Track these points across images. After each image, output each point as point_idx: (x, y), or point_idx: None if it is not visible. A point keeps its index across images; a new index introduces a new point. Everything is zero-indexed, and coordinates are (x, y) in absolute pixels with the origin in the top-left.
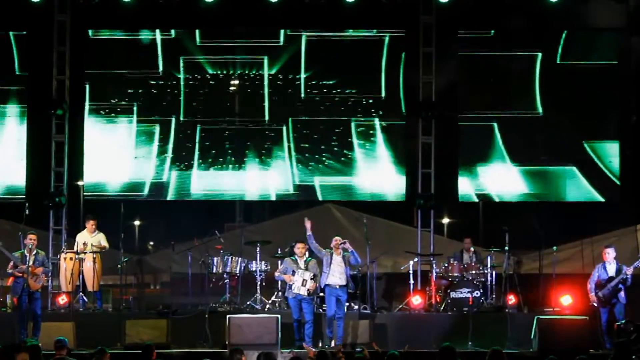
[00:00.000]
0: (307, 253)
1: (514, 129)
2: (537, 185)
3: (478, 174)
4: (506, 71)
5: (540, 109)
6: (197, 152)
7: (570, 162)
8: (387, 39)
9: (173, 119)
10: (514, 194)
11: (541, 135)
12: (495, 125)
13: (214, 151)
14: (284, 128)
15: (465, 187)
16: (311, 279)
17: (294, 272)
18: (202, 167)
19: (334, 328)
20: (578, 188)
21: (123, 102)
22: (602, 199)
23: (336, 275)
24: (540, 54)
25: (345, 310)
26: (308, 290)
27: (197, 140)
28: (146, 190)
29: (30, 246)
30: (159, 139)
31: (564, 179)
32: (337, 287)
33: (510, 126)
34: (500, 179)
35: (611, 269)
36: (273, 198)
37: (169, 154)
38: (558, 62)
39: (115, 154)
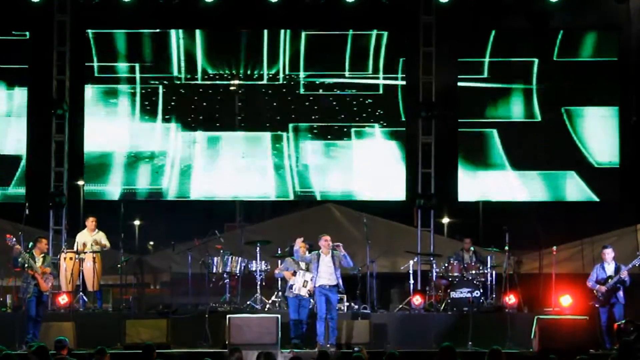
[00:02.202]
0: (307, 252)
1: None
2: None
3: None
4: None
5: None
6: (197, 153)
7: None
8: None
9: (174, 119)
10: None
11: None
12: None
13: (213, 151)
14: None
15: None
16: (312, 280)
17: (295, 272)
18: (202, 167)
19: (326, 329)
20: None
21: (123, 102)
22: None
23: (325, 276)
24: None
25: (337, 310)
26: (309, 291)
27: (197, 140)
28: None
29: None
30: (159, 140)
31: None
32: (327, 287)
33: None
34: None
35: (609, 268)
36: (273, 199)
37: (169, 154)
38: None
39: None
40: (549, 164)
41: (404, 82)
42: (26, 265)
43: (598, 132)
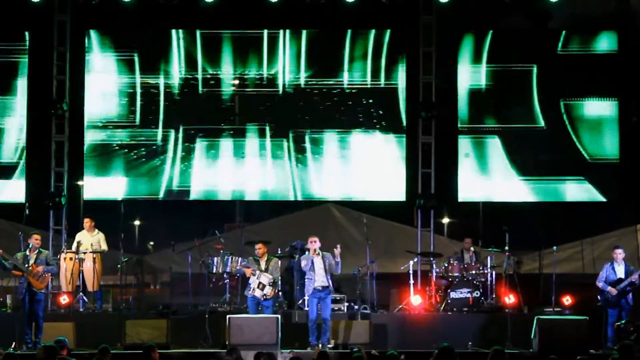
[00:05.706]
0: (266, 254)
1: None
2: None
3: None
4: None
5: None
6: (197, 152)
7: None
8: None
9: (174, 117)
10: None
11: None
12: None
13: (213, 151)
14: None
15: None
16: (270, 284)
17: (254, 271)
18: (202, 167)
19: (320, 330)
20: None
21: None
22: (603, 199)
23: (318, 279)
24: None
25: (332, 311)
26: (264, 295)
27: (197, 139)
28: (144, 191)
29: (30, 246)
30: (160, 139)
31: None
32: (320, 288)
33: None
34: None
35: (620, 270)
36: (272, 198)
37: (169, 154)
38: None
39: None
40: (554, 169)
41: (404, 82)
42: (15, 265)
43: (598, 132)
